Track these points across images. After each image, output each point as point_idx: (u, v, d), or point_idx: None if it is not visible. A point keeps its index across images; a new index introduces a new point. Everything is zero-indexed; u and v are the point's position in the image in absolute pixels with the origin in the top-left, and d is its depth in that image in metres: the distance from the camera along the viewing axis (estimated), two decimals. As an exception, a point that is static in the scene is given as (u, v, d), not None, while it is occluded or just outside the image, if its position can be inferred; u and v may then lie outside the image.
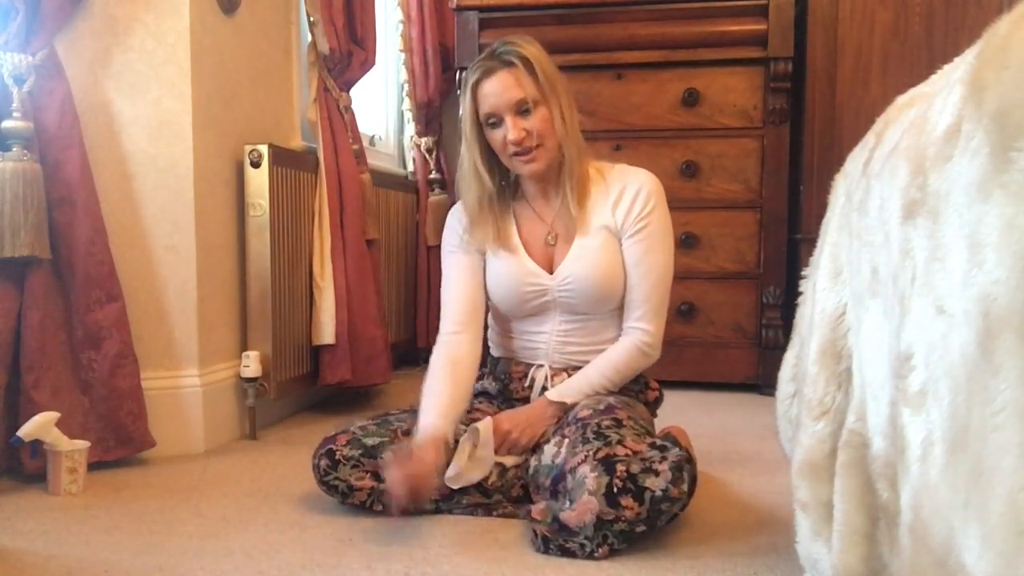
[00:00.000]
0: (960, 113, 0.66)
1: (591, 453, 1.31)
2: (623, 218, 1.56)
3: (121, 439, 1.75)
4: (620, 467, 1.26)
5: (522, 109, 1.49)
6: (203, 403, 1.91)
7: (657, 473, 1.26)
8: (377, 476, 1.43)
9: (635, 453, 1.30)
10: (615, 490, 1.24)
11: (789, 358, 1.18)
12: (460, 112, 1.56)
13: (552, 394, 1.55)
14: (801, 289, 1.15)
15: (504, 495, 1.49)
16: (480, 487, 1.47)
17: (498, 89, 1.49)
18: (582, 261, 1.55)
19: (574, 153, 1.55)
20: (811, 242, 1.16)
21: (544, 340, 1.61)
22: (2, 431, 1.62)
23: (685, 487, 1.28)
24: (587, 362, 1.59)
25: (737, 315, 2.65)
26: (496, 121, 1.51)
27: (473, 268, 1.62)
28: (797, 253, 2.57)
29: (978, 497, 0.59)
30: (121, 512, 1.49)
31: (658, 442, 1.35)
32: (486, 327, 1.72)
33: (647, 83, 2.67)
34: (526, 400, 1.62)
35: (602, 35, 2.67)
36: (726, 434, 2.10)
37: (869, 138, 0.96)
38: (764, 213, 2.62)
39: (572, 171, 1.55)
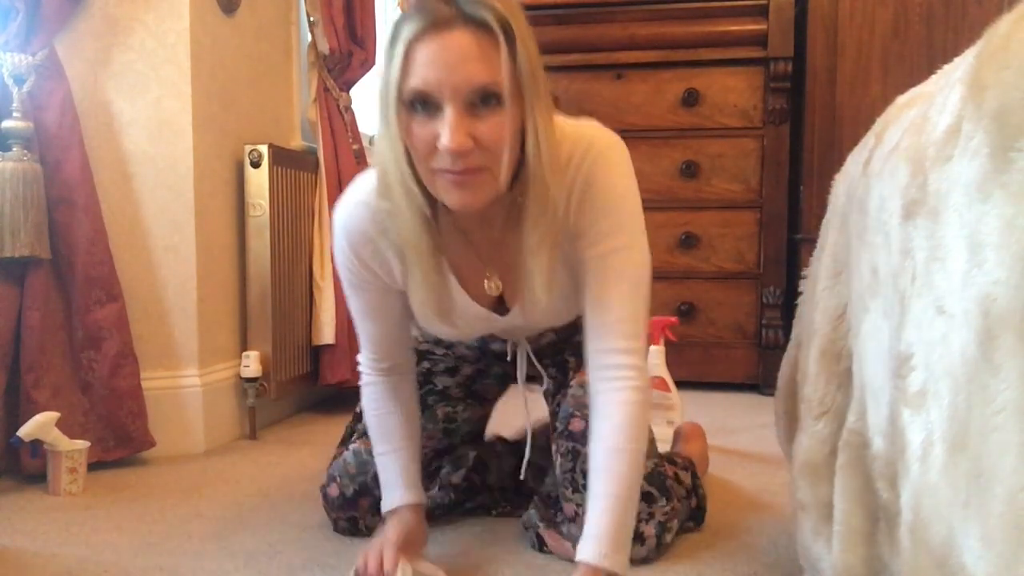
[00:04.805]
0: (960, 113, 0.66)
1: (581, 508, 1.14)
2: (580, 224, 1.05)
3: (121, 439, 1.75)
4: None
5: (478, 100, 0.92)
6: (203, 403, 1.90)
7: (643, 540, 1.21)
8: None
9: None
10: None
11: (789, 358, 1.19)
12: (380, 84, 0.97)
13: (596, 558, 0.98)
14: (801, 289, 1.15)
15: (503, 495, 1.49)
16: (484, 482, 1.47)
17: (448, 58, 0.89)
18: (539, 304, 1.08)
19: (547, 192, 0.99)
20: (811, 242, 1.16)
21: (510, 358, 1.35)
22: (2, 431, 1.62)
23: (670, 538, 1.25)
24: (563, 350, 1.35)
25: (737, 315, 2.65)
26: (428, 106, 0.92)
27: (387, 298, 1.15)
28: (797, 253, 2.56)
29: (978, 497, 0.59)
30: (121, 512, 1.49)
31: (653, 491, 1.23)
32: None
33: (647, 83, 2.67)
34: None
35: (602, 35, 2.67)
36: (726, 434, 2.09)
37: (869, 138, 0.96)
38: (764, 213, 2.62)
39: (537, 222, 1.01)
